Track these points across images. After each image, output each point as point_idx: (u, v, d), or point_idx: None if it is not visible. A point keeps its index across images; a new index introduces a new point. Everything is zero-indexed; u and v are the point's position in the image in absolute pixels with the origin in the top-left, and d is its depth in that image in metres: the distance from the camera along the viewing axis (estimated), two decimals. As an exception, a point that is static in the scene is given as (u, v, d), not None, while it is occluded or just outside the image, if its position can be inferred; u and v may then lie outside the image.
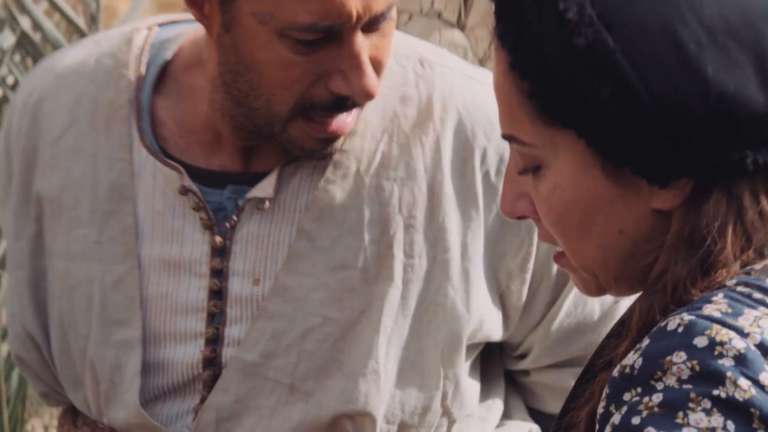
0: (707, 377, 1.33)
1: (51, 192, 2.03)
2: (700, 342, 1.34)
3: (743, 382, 1.31)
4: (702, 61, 1.39)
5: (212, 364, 2.00)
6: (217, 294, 1.98)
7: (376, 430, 2.02)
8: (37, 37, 3.42)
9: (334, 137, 1.90)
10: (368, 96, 1.86)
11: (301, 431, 2.02)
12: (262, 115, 1.90)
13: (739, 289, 1.40)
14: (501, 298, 2.05)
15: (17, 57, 3.56)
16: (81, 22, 3.46)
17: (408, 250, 2.00)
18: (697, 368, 1.33)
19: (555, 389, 2.11)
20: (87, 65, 2.04)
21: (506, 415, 2.11)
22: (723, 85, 1.40)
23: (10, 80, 3.44)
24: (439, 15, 2.45)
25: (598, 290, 1.53)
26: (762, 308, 1.39)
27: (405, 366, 2.04)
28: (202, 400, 2.01)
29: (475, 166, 2.00)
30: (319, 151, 1.93)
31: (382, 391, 2.02)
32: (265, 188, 1.92)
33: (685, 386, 1.34)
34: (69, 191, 2.02)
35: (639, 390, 1.36)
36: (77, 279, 2.01)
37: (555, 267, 2.05)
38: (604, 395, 1.41)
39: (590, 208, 1.45)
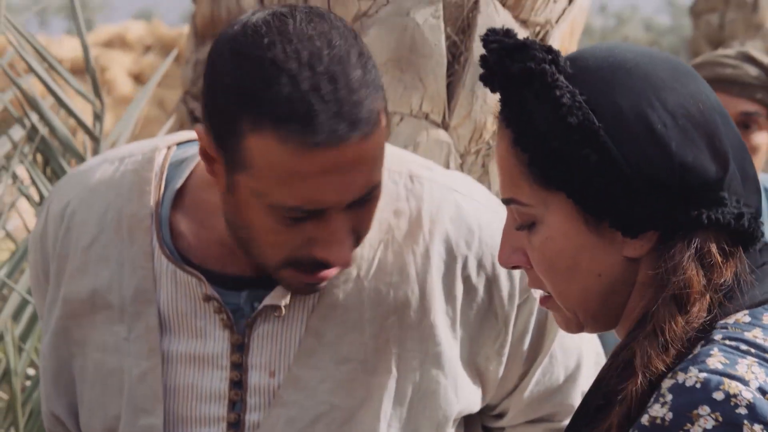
0: (728, 426, 1.55)
1: (82, 294, 2.14)
2: (718, 396, 1.57)
3: (757, 428, 1.55)
4: (667, 139, 1.65)
5: None
6: (238, 384, 2.10)
7: None
8: (44, 130, 3.69)
9: (320, 282, 2.04)
10: (345, 265, 1.99)
11: None
12: (257, 259, 2.02)
13: (727, 342, 1.61)
14: (480, 378, 2.20)
15: (26, 149, 3.82)
16: (86, 119, 3.76)
17: (403, 344, 2.13)
18: (720, 419, 1.55)
19: None
20: (114, 180, 2.16)
21: None
22: (684, 157, 1.65)
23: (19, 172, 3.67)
24: (427, 116, 2.63)
25: (577, 327, 1.76)
26: (750, 357, 1.62)
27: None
28: None
29: (457, 272, 2.14)
30: (307, 290, 2.07)
31: None
32: (278, 296, 2.07)
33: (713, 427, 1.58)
34: (99, 293, 2.13)
35: (675, 421, 1.58)
36: (110, 368, 2.13)
37: (526, 347, 2.23)
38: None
39: (575, 255, 1.70)
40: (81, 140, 3.82)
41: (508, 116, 1.70)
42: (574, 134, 1.64)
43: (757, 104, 3.93)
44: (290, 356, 2.10)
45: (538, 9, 2.79)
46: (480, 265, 2.14)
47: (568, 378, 2.27)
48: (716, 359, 1.60)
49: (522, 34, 2.42)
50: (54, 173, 3.65)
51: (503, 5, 2.73)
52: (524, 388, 2.23)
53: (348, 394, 2.11)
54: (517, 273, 2.18)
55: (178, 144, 2.17)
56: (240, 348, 2.08)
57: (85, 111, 3.86)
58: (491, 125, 2.58)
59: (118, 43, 21.67)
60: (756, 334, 1.67)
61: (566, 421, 2.23)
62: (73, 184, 2.23)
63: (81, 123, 3.56)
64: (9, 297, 3.18)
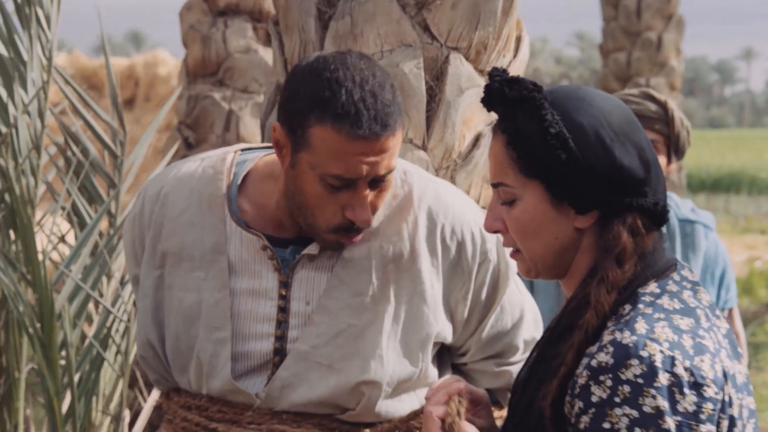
0: (649, 372, 2.10)
1: (173, 250, 2.80)
2: (643, 353, 2.12)
3: (667, 374, 2.09)
4: (612, 149, 2.21)
5: (279, 353, 2.76)
6: (283, 310, 2.75)
7: (381, 392, 2.77)
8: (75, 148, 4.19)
9: (349, 244, 2.71)
10: (366, 224, 2.65)
11: (335, 394, 2.77)
12: (307, 221, 2.68)
13: (647, 312, 2.19)
14: (451, 317, 2.82)
15: (61, 162, 4.36)
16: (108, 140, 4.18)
17: (399, 283, 2.77)
18: (645, 368, 2.10)
19: (483, 372, 2.93)
20: (197, 172, 2.83)
21: None
22: (623, 161, 2.21)
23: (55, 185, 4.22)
24: (411, 140, 3.18)
25: (535, 274, 2.35)
26: (662, 322, 2.17)
27: (398, 354, 2.81)
28: (272, 374, 2.75)
29: (437, 235, 2.77)
30: (337, 247, 2.73)
31: (384, 368, 2.77)
32: (313, 248, 2.72)
33: (638, 380, 2.10)
34: (186, 249, 2.79)
35: (611, 376, 2.13)
36: (190, 302, 2.77)
37: (483, 297, 2.86)
38: (585, 373, 2.18)
39: (542, 223, 2.28)
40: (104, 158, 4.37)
41: (502, 126, 2.29)
42: (552, 140, 2.22)
43: (656, 134, 4.35)
44: (320, 291, 2.75)
45: (492, 62, 3.33)
46: (452, 231, 2.79)
47: (514, 325, 2.91)
48: (641, 325, 2.16)
49: (480, 81, 3.17)
50: (84, 186, 4.19)
51: (467, 59, 3.27)
52: (482, 330, 2.85)
53: (360, 317, 2.74)
54: (478, 240, 2.81)
55: (242, 151, 2.87)
56: (285, 285, 2.72)
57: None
58: (458, 148, 3.10)
59: (41, 74, 21.31)
60: (663, 301, 2.22)
61: (512, 358, 2.94)
62: (164, 175, 2.89)
63: (110, 149, 4.12)
64: (65, 283, 3.76)
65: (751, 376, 11.46)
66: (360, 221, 2.68)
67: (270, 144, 2.97)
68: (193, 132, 5.73)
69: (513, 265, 2.95)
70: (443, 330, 2.84)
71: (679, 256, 4.48)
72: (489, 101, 2.40)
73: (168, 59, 18.94)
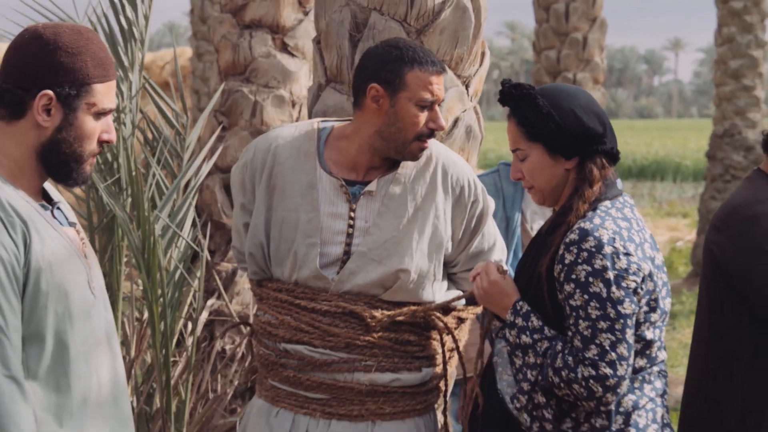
0: (598, 247, 3.23)
1: (280, 185, 3.68)
2: (596, 234, 3.25)
3: (610, 247, 3.21)
4: (582, 117, 3.33)
5: (347, 254, 3.67)
6: (351, 226, 3.66)
7: (410, 278, 3.67)
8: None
9: (426, 149, 3.62)
10: (443, 128, 3.57)
11: (381, 278, 3.66)
12: (400, 141, 3.58)
13: (601, 213, 3.29)
14: (452, 234, 3.75)
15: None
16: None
17: (425, 210, 3.66)
18: (596, 242, 3.23)
19: (465, 279, 3.80)
20: (294, 135, 3.74)
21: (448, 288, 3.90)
22: (588, 124, 3.34)
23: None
24: None
25: (542, 201, 3.44)
26: (608, 220, 3.27)
27: (421, 253, 3.71)
28: (341, 267, 3.67)
29: (448, 181, 3.70)
30: (419, 156, 3.64)
31: (413, 262, 3.68)
32: (371, 187, 3.64)
33: (592, 249, 3.21)
34: (288, 185, 3.67)
35: (576, 247, 3.24)
36: (290, 219, 3.66)
37: (472, 226, 3.76)
38: (563, 247, 3.26)
39: (544, 168, 3.38)
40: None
41: (514, 113, 3.41)
42: (545, 117, 3.35)
43: None
44: (375, 214, 3.68)
45: (466, 69, 4.29)
46: (457, 180, 3.76)
47: (489, 248, 3.88)
48: (597, 220, 3.29)
49: (458, 82, 4.26)
50: (159, 161, 5.31)
51: (450, 68, 4.22)
52: (468, 248, 3.82)
53: (399, 231, 3.67)
54: (472, 187, 3.74)
55: (321, 121, 3.76)
56: (352, 210, 3.66)
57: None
58: (445, 127, 3.90)
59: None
60: (612, 211, 3.33)
61: None
62: (270, 136, 3.79)
63: (179, 132, 5.28)
64: (159, 223, 4.99)
65: (666, 336, 12.61)
66: (440, 127, 3.65)
67: (336, 118, 3.92)
68: (227, 117, 6.58)
69: (492, 206, 3.90)
70: (448, 243, 3.78)
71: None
72: (504, 99, 3.53)
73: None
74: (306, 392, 3.74)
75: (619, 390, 3.33)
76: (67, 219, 3.25)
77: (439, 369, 3.82)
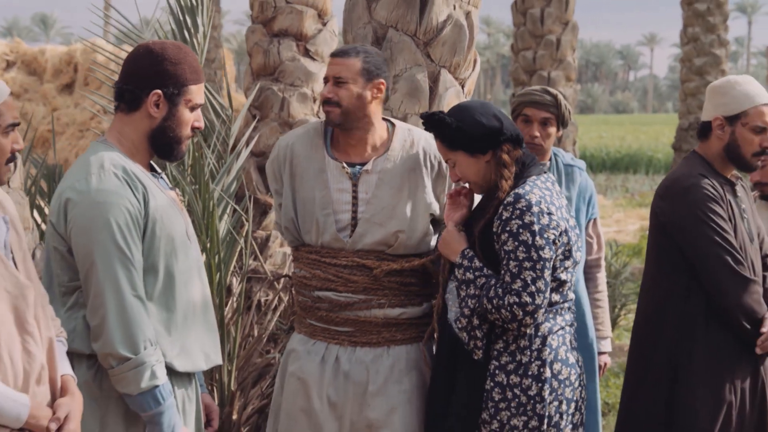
0: (527, 207, 4.11)
1: (298, 170, 4.42)
2: (526, 197, 4.13)
3: (537, 208, 4.09)
4: (482, 120, 4.21)
5: (354, 219, 4.40)
6: (355, 197, 4.38)
7: (407, 237, 4.41)
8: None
9: (385, 163, 4.38)
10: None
11: (384, 238, 4.40)
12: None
13: (531, 183, 4.21)
14: (436, 198, 4.47)
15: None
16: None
17: (413, 182, 4.39)
18: (526, 204, 4.11)
19: None
20: (306, 132, 4.50)
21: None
22: (488, 124, 4.23)
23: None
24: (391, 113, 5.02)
25: (480, 191, 4.29)
26: (536, 188, 4.16)
27: (415, 215, 4.45)
28: (352, 231, 4.44)
29: (429, 158, 4.43)
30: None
31: (408, 223, 4.40)
32: (368, 167, 4.34)
33: (524, 208, 4.09)
34: (304, 171, 4.39)
35: (511, 207, 4.11)
36: (309, 197, 4.41)
37: (446, 192, 4.42)
38: (501, 209, 4.12)
39: (470, 167, 4.26)
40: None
41: (437, 135, 4.27)
42: (455, 130, 4.21)
43: (550, 113, 5.39)
44: (373, 187, 4.40)
45: (462, 72, 5.22)
46: (436, 157, 4.51)
47: None
48: (527, 187, 4.16)
49: (455, 83, 5.46)
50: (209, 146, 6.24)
51: (449, 72, 5.15)
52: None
53: (394, 199, 4.41)
54: (444, 163, 4.42)
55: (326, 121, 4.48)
56: (355, 186, 4.41)
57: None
58: None
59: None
60: (538, 183, 4.18)
61: None
62: (290, 135, 4.57)
63: (225, 122, 6.26)
64: (215, 194, 6.05)
65: (634, 310, 13.06)
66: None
67: None
68: (260, 111, 7.36)
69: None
70: (434, 205, 4.55)
71: (563, 186, 5.60)
72: (426, 127, 4.32)
73: (105, 46, 17.58)
74: (336, 327, 4.61)
75: (536, 315, 4.18)
76: (167, 184, 4.12)
77: (435, 303, 4.65)
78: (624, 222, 22.26)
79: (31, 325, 3.49)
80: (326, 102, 4.41)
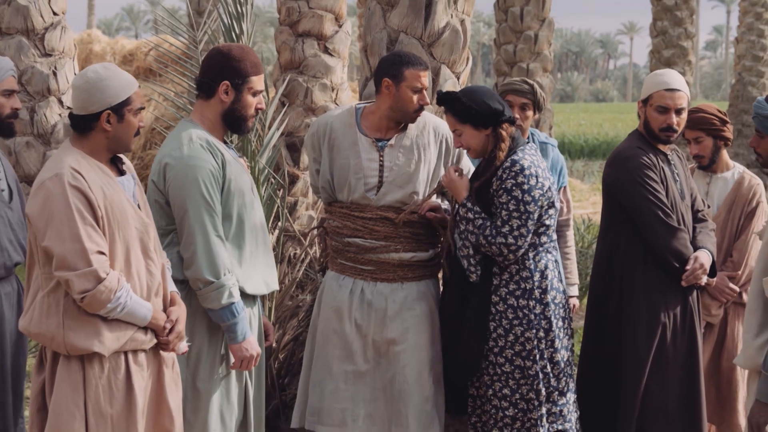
0: (518, 171, 5.17)
1: (335, 143, 5.37)
2: (521, 162, 5.18)
3: (528, 171, 5.13)
4: (488, 102, 5.30)
5: (380, 181, 5.33)
6: (381, 165, 5.35)
7: (419, 195, 5.37)
8: None
9: (404, 138, 5.34)
10: (428, 104, 5.29)
11: (403, 197, 5.31)
12: (405, 112, 5.23)
13: (519, 153, 5.27)
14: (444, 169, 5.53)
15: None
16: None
17: (426, 154, 5.40)
18: (520, 167, 5.17)
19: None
20: (341, 114, 5.44)
21: None
22: (493, 106, 5.32)
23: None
24: None
25: (477, 156, 5.42)
26: (526, 157, 5.21)
27: (425, 179, 5.44)
28: (377, 191, 5.34)
29: (439, 136, 5.45)
30: (415, 120, 5.30)
31: (420, 184, 5.39)
32: (392, 141, 5.31)
33: (519, 170, 5.12)
34: (341, 144, 5.38)
35: (508, 171, 5.16)
36: (345, 164, 5.37)
37: (454, 162, 5.47)
38: (499, 172, 5.17)
39: (474, 138, 5.39)
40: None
41: (448, 109, 5.38)
42: (468, 108, 5.30)
43: (528, 100, 6.07)
44: (395, 157, 5.44)
45: (457, 68, 6.16)
46: (443, 135, 5.58)
47: (467, 173, 5.63)
48: (520, 154, 5.28)
49: (453, 77, 6.68)
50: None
51: (448, 68, 6.09)
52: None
53: (410, 167, 5.43)
54: (452, 141, 5.45)
55: (357, 104, 5.53)
56: (381, 156, 5.42)
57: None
58: None
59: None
60: (527, 150, 5.29)
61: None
62: (328, 115, 5.51)
63: (263, 110, 7.57)
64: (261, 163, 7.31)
65: None
66: (426, 103, 5.14)
67: (366, 100, 5.44)
68: (287, 98, 8.06)
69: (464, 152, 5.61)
70: (441, 173, 5.39)
71: (538, 159, 5.84)
72: (440, 101, 5.13)
73: (101, 37, 18.42)
74: (361, 266, 5.42)
75: (517, 254, 5.00)
76: (237, 153, 5.12)
77: (439, 248, 5.56)
78: (599, 204, 22.67)
79: (152, 252, 4.51)
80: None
